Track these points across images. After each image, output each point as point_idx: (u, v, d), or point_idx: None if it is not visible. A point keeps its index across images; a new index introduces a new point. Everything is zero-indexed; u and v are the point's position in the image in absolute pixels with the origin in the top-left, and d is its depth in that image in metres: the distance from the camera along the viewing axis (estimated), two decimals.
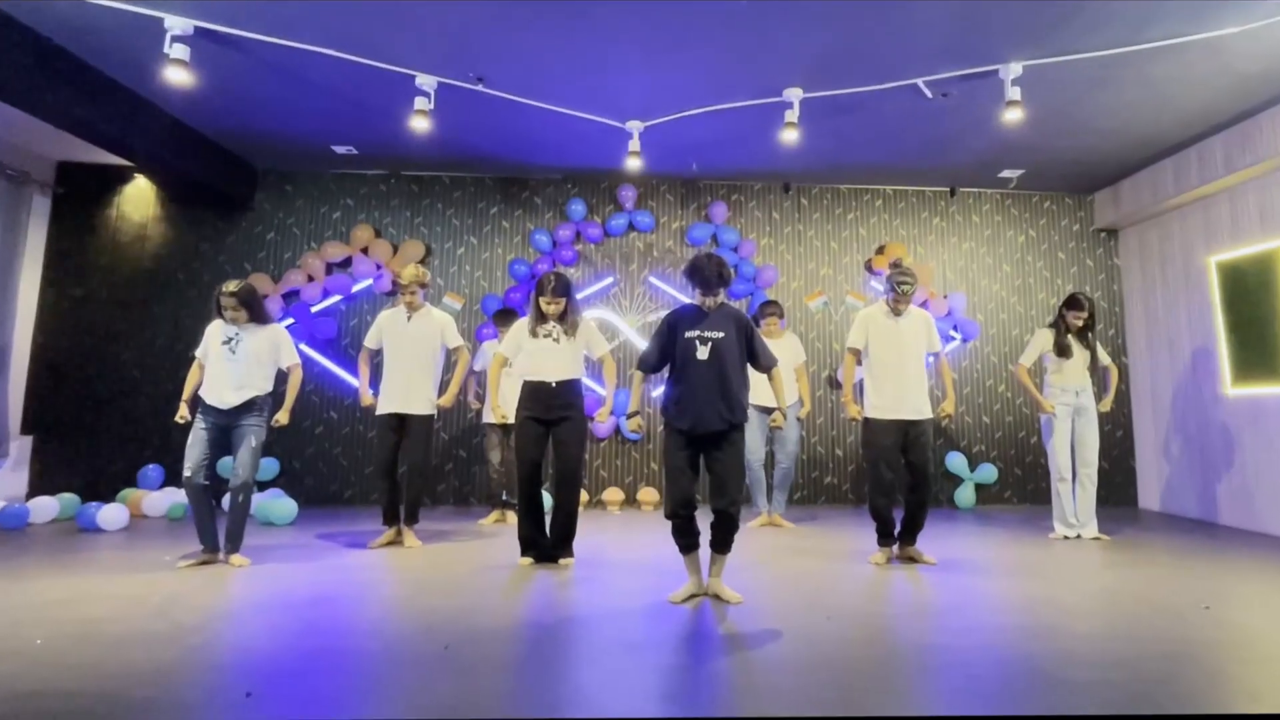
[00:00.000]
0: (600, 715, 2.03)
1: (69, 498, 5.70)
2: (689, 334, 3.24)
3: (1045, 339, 5.14)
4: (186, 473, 3.89)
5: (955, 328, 7.03)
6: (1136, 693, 2.19)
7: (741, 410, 3.23)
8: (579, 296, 6.60)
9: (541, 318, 4.07)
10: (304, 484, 6.59)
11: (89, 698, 2.12)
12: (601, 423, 4.02)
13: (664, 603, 3.21)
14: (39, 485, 6.18)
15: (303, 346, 6.62)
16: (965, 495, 6.72)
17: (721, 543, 3.23)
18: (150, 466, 6.23)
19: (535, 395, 4.04)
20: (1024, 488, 6.98)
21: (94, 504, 5.22)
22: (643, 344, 6.74)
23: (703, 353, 3.20)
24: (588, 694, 2.21)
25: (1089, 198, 7.38)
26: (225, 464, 5.51)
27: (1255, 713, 2.07)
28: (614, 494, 6.63)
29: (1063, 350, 5.05)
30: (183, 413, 4.00)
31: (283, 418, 4.20)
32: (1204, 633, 2.82)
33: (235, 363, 3.99)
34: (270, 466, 6.36)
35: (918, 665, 2.47)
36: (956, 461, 6.77)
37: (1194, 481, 6.26)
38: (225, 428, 3.98)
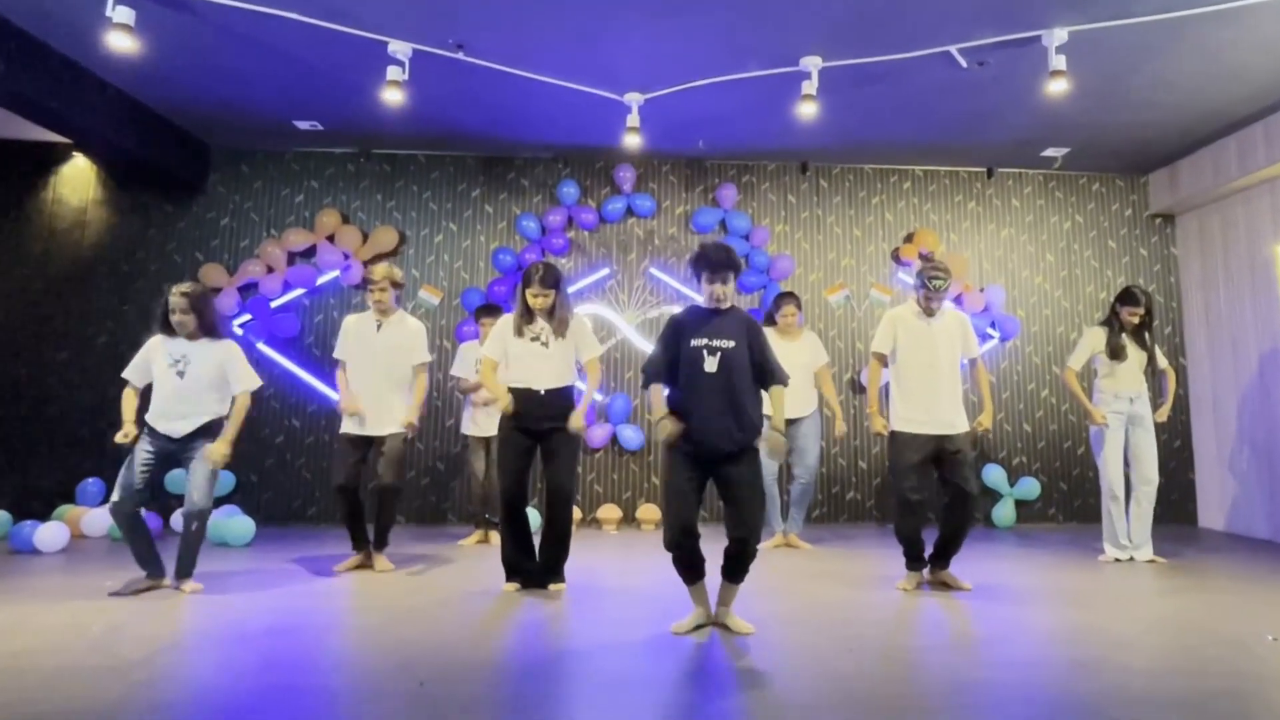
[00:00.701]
0: None
1: None
2: (695, 342, 3.17)
3: (1097, 339, 5.12)
4: (115, 497, 3.80)
5: (993, 325, 7.04)
6: None
7: (754, 429, 3.18)
8: (571, 290, 6.68)
9: (528, 313, 4.06)
10: (262, 500, 6.60)
11: None
12: (576, 427, 4.02)
13: (667, 634, 3.21)
14: None
15: (261, 346, 6.63)
16: (1004, 513, 6.73)
17: (735, 572, 3.21)
18: (90, 480, 6.22)
19: (521, 403, 4.02)
20: (1070, 504, 6.98)
21: (28, 522, 5.21)
22: (642, 344, 6.75)
23: (710, 364, 3.14)
24: None
25: (1142, 179, 7.39)
26: (176, 477, 5.49)
27: None
28: (610, 511, 6.63)
29: (1116, 352, 5.03)
30: (127, 430, 3.85)
31: (218, 451, 3.90)
32: (1272, 667, 2.82)
33: (183, 388, 3.93)
34: (225, 480, 6.34)
35: (951, 704, 2.47)
36: (995, 475, 6.77)
37: (1262, 498, 6.27)
38: (174, 453, 3.96)
